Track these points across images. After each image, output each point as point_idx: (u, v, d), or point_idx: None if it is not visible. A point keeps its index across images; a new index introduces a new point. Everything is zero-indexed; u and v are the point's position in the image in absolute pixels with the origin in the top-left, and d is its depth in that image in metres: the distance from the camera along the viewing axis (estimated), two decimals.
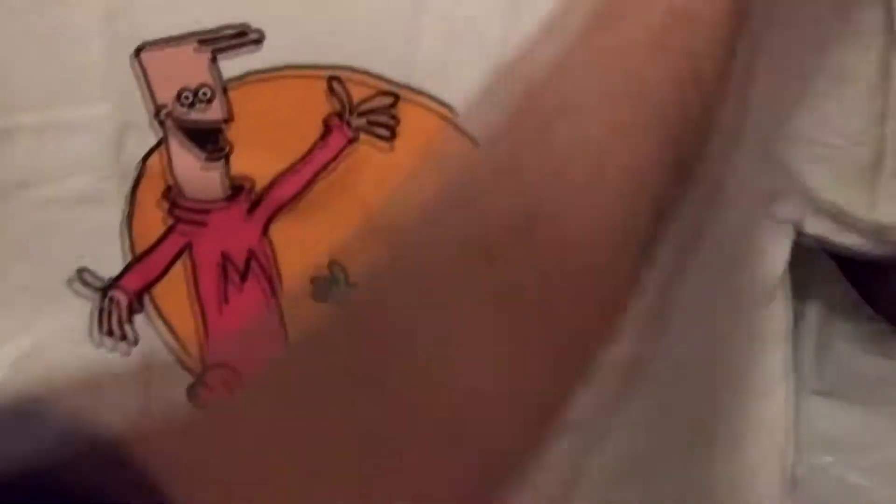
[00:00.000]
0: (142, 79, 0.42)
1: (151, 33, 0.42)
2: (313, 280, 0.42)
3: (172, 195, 0.42)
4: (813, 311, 0.62)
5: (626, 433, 0.46)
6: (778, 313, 0.49)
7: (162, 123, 0.43)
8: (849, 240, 0.46)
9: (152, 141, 0.42)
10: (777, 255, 0.47)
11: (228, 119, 0.42)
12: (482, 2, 0.42)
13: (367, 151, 0.42)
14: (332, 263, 0.41)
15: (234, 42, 0.42)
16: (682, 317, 0.46)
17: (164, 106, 0.42)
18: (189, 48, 0.42)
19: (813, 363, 0.58)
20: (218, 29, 0.42)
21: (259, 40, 0.42)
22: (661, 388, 0.47)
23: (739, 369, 0.48)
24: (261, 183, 0.42)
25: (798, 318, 0.63)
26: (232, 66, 0.42)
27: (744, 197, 0.45)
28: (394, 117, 0.43)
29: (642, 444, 0.47)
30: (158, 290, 0.43)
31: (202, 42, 0.42)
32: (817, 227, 0.46)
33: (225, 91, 0.43)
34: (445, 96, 0.42)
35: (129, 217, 0.42)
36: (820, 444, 0.52)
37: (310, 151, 0.42)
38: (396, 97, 0.42)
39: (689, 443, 0.48)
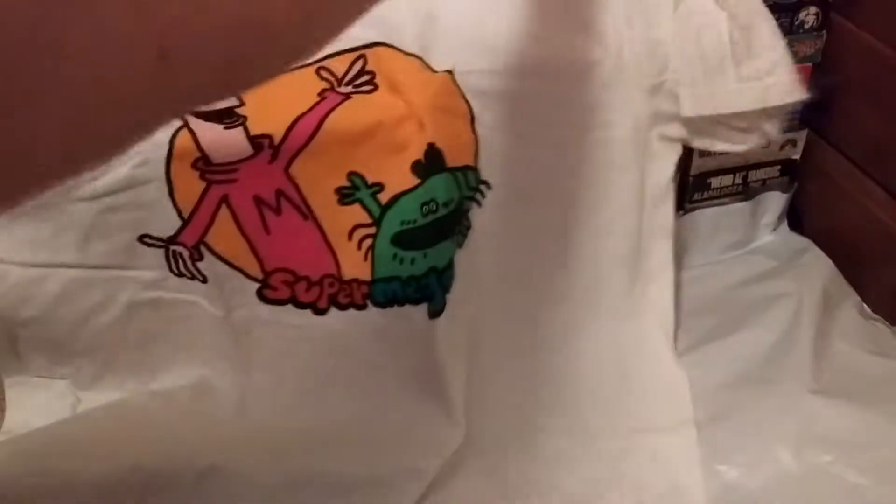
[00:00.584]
0: None
1: None
2: (337, 190, 0.52)
3: (200, 164, 0.49)
4: (811, 311, 0.63)
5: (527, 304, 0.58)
6: (666, 213, 0.60)
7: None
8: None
9: (174, 125, 0.49)
10: (665, 166, 0.58)
11: (240, 104, 0.50)
12: None
13: (359, 100, 0.51)
14: (351, 174, 0.51)
15: None
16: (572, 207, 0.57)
17: None
18: None
19: (811, 363, 0.58)
20: None
21: None
22: (558, 269, 0.58)
23: (633, 257, 0.59)
24: (278, 136, 0.49)
25: (796, 317, 0.64)
26: None
27: (627, 118, 0.55)
28: (370, 73, 0.52)
29: (546, 316, 0.59)
30: (211, 237, 0.52)
31: None
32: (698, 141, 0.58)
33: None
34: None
35: (171, 192, 0.49)
36: (819, 443, 0.53)
37: (313, 106, 0.50)
38: (363, 55, 0.52)
39: (585, 317, 0.59)
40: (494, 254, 0.57)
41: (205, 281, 0.53)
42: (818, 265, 0.68)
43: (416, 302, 0.53)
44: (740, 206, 0.71)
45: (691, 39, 0.54)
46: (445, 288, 0.53)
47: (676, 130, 0.57)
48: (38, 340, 0.54)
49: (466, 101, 0.52)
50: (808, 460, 0.52)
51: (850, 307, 0.65)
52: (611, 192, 0.57)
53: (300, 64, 0.48)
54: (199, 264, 0.52)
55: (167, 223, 0.50)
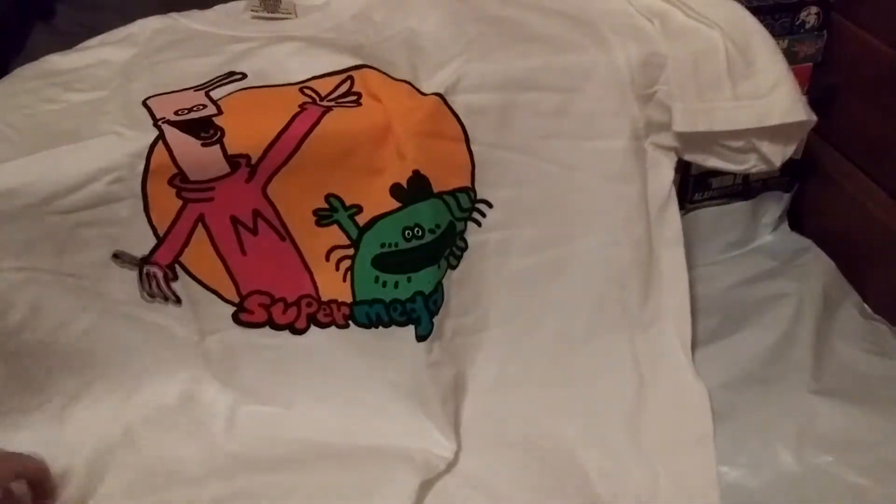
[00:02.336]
0: (146, 111, 0.50)
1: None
2: (315, 212, 0.51)
3: (176, 181, 0.48)
4: (811, 311, 0.63)
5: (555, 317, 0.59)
6: (672, 219, 0.59)
7: (159, 127, 0.48)
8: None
9: (150, 138, 0.48)
10: (664, 173, 0.58)
11: (218, 113, 0.49)
12: None
13: (342, 111, 0.50)
14: (329, 196, 0.51)
15: (223, 80, 0.52)
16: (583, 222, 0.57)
17: (163, 118, 0.49)
18: (188, 91, 0.51)
19: (812, 363, 0.58)
20: (209, 81, 0.52)
21: (243, 77, 0.53)
22: (565, 281, 0.58)
23: (645, 266, 0.58)
24: (256, 156, 0.49)
25: (797, 317, 0.64)
26: (222, 91, 0.51)
27: (626, 127, 0.55)
28: (356, 93, 0.51)
29: (567, 325, 0.59)
30: (186, 257, 0.51)
31: (197, 89, 0.51)
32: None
33: (216, 103, 0.50)
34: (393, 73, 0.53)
35: (146, 209, 0.49)
36: (819, 443, 0.53)
37: (291, 121, 0.49)
38: (351, 76, 0.52)
39: (597, 328, 0.59)
40: (499, 270, 0.57)
41: (179, 302, 0.52)
42: (818, 265, 0.68)
43: (401, 324, 0.53)
44: (741, 206, 0.71)
45: (685, 54, 0.54)
46: (433, 312, 0.53)
47: (669, 140, 0.56)
48: (16, 353, 0.52)
49: (459, 122, 0.52)
50: (808, 460, 0.52)
51: (851, 307, 0.65)
52: (615, 201, 0.57)
53: (283, 83, 0.52)
54: (174, 284, 0.52)
55: (142, 241, 0.50)
